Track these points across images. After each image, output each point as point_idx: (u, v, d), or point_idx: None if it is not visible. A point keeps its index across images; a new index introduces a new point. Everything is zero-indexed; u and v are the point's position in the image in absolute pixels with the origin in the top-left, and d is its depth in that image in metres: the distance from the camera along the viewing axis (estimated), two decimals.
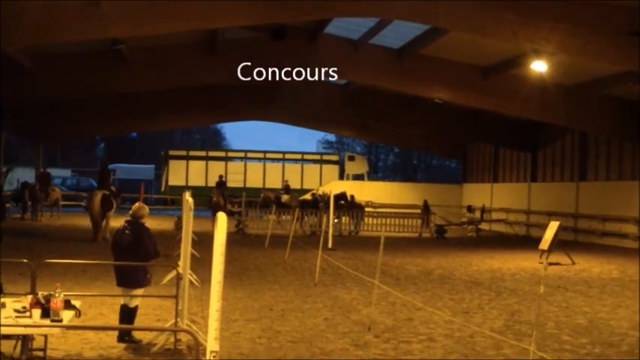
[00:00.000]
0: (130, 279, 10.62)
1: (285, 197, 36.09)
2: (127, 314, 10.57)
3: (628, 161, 31.83)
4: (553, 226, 23.35)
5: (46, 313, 7.80)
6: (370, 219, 37.04)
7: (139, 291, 10.76)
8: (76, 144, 73.91)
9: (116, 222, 28.16)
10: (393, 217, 37.01)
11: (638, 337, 11.67)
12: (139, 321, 11.15)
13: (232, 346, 10.33)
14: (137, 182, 37.06)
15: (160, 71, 30.03)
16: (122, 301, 10.81)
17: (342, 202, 34.94)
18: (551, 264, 21.96)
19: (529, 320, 12.77)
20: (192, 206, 10.89)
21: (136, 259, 10.51)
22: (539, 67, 25.29)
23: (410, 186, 52.38)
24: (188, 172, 52.10)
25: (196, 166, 52.42)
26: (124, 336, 10.27)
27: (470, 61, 28.82)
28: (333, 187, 39.49)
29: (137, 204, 11.10)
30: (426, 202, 37.62)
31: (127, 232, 10.68)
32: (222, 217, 6.09)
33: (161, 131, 73.27)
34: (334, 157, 58.26)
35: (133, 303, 10.69)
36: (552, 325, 12.62)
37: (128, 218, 10.95)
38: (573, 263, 22.83)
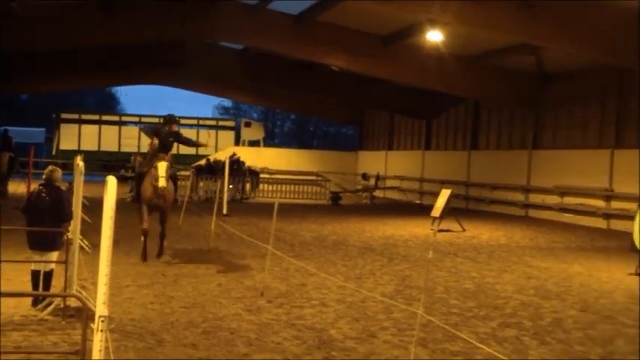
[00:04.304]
0: (45, 242, 10.52)
1: None
2: (44, 279, 10.46)
3: (518, 131, 32.81)
4: (445, 194, 23.86)
5: None
6: (265, 185, 37.10)
7: (54, 254, 10.66)
8: None
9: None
10: (289, 184, 37.15)
11: None
12: (27, 287, 10.95)
13: (124, 311, 10.22)
14: (27, 146, 35.92)
15: (52, 30, 28.99)
16: (32, 266, 10.67)
17: (235, 166, 34.87)
18: (442, 231, 22.52)
19: (419, 285, 13.04)
20: (83, 170, 10.68)
21: (52, 222, 10.43)
22: (434, 36, 25.70)
23: (306, 153, 52.69)
24: (80, 136, 50.95)
25: (89, 130, 51.29)
26: (38, 301, 10.20)
27: (368, 29, 28.99)
28: (229, 152, 39.31)
29: (50, 167, 11.00)
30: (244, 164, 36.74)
31: (43, 194, 10.57)
32: (111, 181, 5.98)
33: (53, 93, 71.11)
34: (230, 123, 58.04)
35: (48, 267, 10.59)
36: (441, 290, 12.95)
37: (42, 182, 10.79)
38: (463, 230, 23.44)
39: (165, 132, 15.78)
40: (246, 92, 51.25)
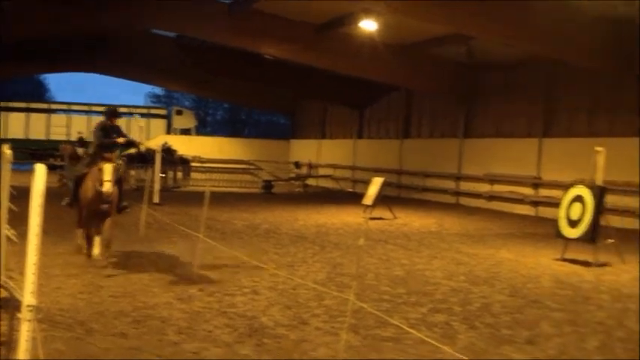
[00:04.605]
0: None
1: (80, 150, 35.18)
2: None
3: (450, 119, 33.22)
4: (377, 182, 24.08)
5: None
6: (197, 174, 36.92)
7: None
8: None
9: None
10: (221, 172, 37.03)
11: None
12: None
13: (52, 301, 10.06)
14: None
15: None
16: None
17: (164, 155, 34.60)
18: (373, 219, 22.74)
19: (351, 272, 13.14)
20: (11, 159, 10.47)
21: None
22: (368, 25, 25.80)
23: (238, 141, 52.61)
24: (7, 124, 49.97)
25: (16, 118, 50.30)
26: None
27: (302, 18, 28.90)
28: (161, 141, 38.98)
29: None
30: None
31: None
32: (39, 169, 5.90)
33: None
34: (162, 111, 57.56)
35: None
36: (372, 277, 13.06)
37: None
38: (395, 218, 23.67)
39: (108, 127, 13.45)
40: (178, 80, 50.71)
